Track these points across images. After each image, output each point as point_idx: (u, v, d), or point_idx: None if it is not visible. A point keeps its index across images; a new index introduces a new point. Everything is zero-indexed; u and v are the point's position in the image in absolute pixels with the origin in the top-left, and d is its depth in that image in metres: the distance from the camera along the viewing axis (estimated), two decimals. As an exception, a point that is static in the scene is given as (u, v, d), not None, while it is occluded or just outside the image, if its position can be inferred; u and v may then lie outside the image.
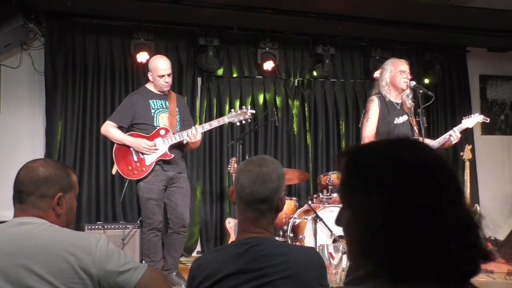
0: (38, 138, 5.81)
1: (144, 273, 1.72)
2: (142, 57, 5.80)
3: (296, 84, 6.73)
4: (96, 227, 5.08)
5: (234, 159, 5.17)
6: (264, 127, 6.41)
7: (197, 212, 6.22)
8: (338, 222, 1.04)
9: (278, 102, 6.55)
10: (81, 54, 5.89)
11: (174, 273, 4.53)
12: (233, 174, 4.66)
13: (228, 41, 6.36)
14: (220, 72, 6.40)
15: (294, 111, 6.65)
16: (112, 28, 6.00)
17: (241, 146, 5.28)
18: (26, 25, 5.41)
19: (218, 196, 6.33)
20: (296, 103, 6.67)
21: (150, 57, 5.79)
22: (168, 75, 4.49)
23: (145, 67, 5.98)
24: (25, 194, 1.76)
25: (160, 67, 4.47)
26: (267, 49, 6.27)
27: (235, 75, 6.47)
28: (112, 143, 5.84)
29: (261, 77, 6.54)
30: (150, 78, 4.57)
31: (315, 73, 6.65)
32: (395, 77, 4.50)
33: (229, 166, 5.21)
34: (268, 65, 6.27)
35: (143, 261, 4.60)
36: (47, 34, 5.74)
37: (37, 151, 5.70)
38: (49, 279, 1.59)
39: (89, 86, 5.90)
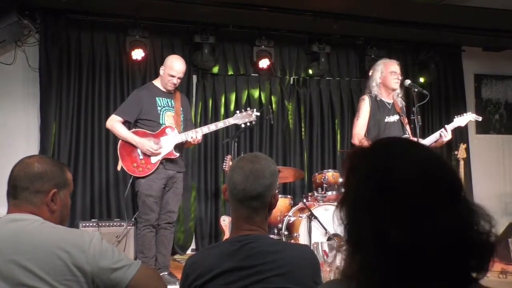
0: (32, 135, 5.79)
1: (138, 270, 1.71)
2: (137, 54, 5.79)
3: (291, 82, 6.73)
4: (91, 224, 5.07)
5: (229, 157, 5.16)
6: (259, 125, 6.40)
7: (192, 210, 6.22)
8: None
9: (273, 100, 6.55)
10: (76, 51, 5.87)
11: (166, 273, 4.51)
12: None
13: (224, 39, 6.35)
14: (215, 69, 6.40)
15: (290, 109, 6.65)
16: (107, 25, 5.98)
17: (236, 144, 5.27)
18: (20, 21, 5.39)
19: (213, 193, 6.33)
20: (292, 101, 6.67)
21: (145, 54, 5.83)
22: (179, 78, 4.53)
23: (140, 64, 6.01)
24: (20, 189, 1.75)
25: (175, 67, 4.49)
26: (263, 47, 6.26)
27: (230, 72, 6.46)
28: (108, 140, 5.89)
29: (256, 75, 6.54)
30: (161, 72, 4.57)
31: (310, 72, 6.65)
32: (386, 77, 4.53)
33: (224, 164, 5.21)
34: (264, 63, 6.27)
35: (137, 258, 4.59)
36: (42, 31, 5.72)
37: (32, 148, 5.68)
38: (42, 276, 1.58)
39: (84, 83, 5.89)
